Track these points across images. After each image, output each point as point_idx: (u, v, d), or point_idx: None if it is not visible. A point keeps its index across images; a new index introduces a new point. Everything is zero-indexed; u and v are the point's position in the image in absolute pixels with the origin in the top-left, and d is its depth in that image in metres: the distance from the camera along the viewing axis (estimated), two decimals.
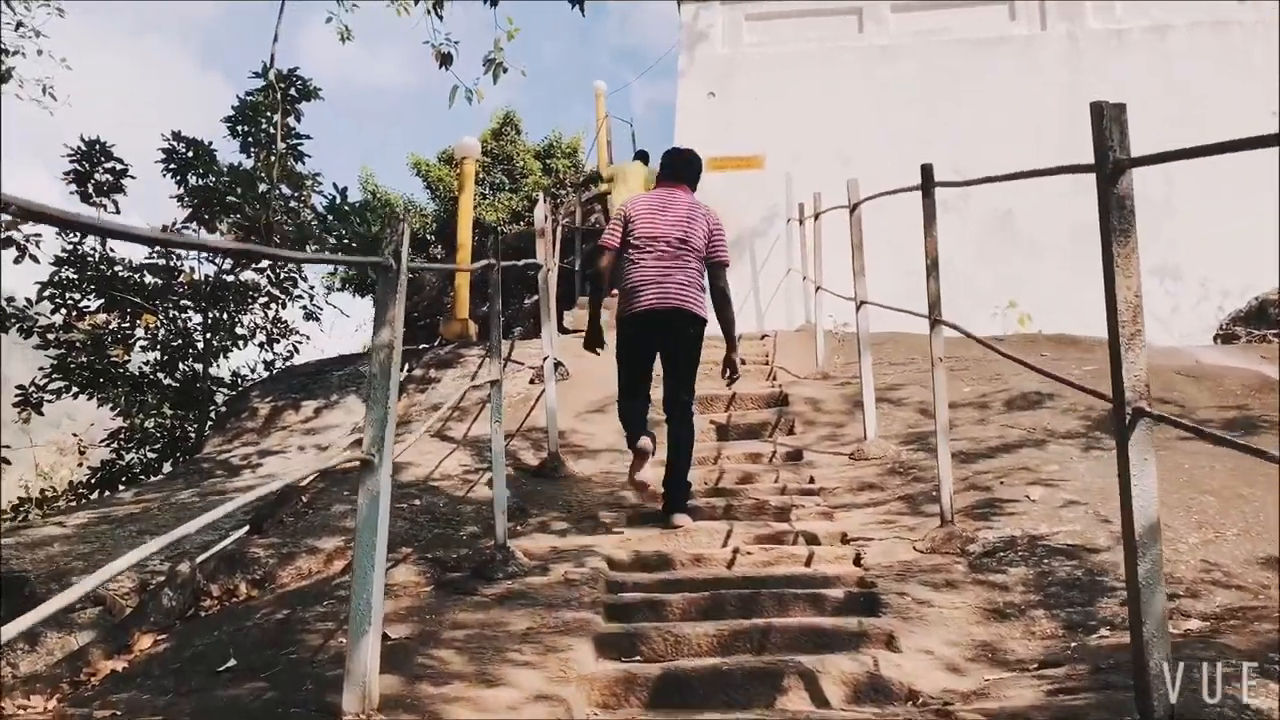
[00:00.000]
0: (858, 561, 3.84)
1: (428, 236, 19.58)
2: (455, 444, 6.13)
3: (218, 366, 8.94)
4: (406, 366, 7.48)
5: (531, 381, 6.99)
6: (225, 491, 5.63)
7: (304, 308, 9.29)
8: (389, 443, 2.47)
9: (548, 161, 19.71)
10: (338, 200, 8.59)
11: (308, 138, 9.47)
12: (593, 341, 4.85)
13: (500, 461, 3.98)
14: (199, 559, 4.02)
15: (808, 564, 3.88)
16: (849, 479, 4.97)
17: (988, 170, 8.33)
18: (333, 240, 8.16)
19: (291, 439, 6.74)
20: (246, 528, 4.53)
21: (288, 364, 9.45)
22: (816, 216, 7.27)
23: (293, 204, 8.72)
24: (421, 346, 7.96)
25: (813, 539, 4.17)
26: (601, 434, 6.21)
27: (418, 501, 5.01)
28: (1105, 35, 10.77)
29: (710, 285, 4.54)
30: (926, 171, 4.03)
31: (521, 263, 5.32)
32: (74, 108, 10.16)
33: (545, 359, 5.53)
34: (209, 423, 7.87)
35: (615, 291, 4.68)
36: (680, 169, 4.71)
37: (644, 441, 4.47)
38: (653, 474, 4.51)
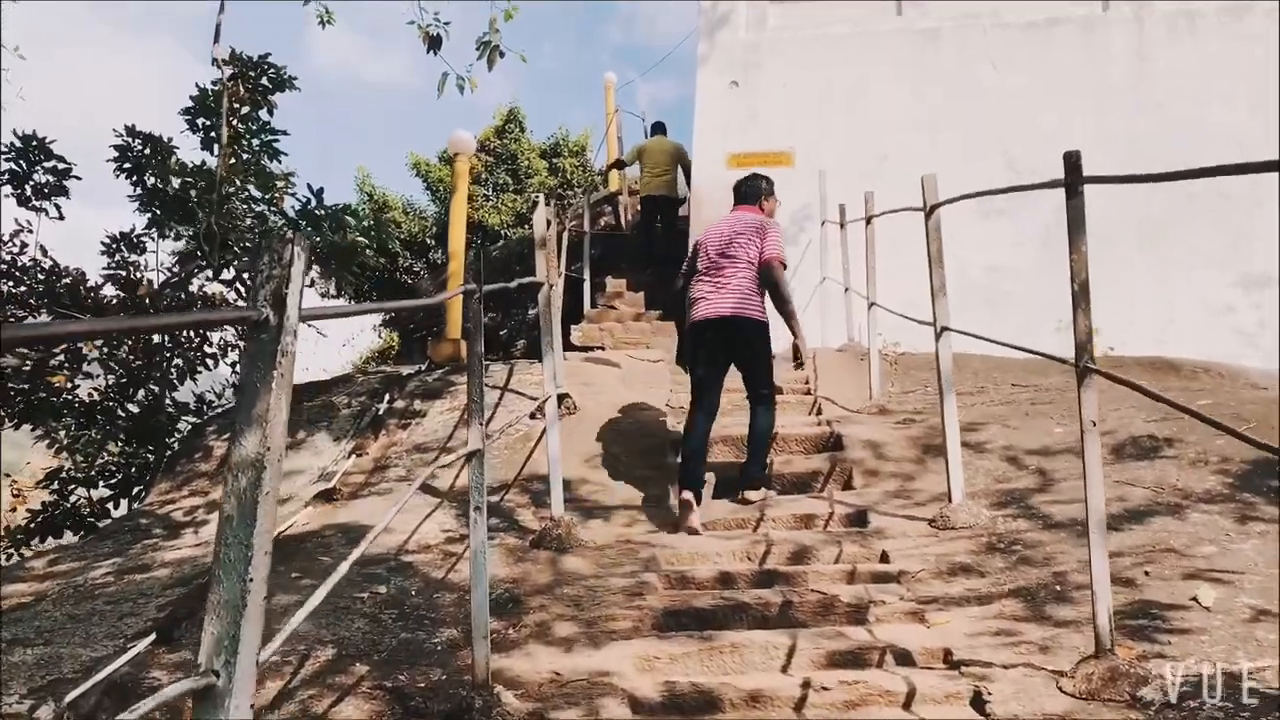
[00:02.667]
0: (979, 707, 2.75)
1: (427, 240, 18.54)
2: (439, 498, 5.05)
3: (176, 392, 7.88)
4: (387, 397, 6.41)
5: (533, 416, 5.90)
6: (150, 567, 4.57)
7: None
8: (248, 658, 1.37)
9: (554, 161, 18.64)
10: (312, 203, 7.53)
11: (283, 133, 8.44)
12: (682, 359, 5.13)
13: (481, 568, 2.90)
14: (69, 696, 2.94)
15: (907, 706, 2.80)
16: (935, 558, 3.87)
17: (1045, 168, 7.25)
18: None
19: None
20: (153, 635, 3.45)
21: None
22: (869, 220, 6.16)
23: (259, 207, 7.66)
24: (405, 372, 6.88)
25: (905, 657, 3.09)
26: (616, 484, 5.13)
27: (383, 589, 3.93)
28: (1174, 15, 9.64)
29: (765, 281, 4.83)
30: (1073, 162, 2.92)
31: (514, 284, 4.23)
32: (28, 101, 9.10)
33: (547, 396, 4.45)
34: (164, 462, 6.80)
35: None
36: (742, 192, 5.20)
37: (687, 497, 4.57)
38: (694, 523, 4.49)
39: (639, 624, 3.45)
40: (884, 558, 4.02)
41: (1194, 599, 3.17)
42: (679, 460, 4.86)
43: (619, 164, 11.29)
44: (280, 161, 8.41)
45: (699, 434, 4.75)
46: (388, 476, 5.47)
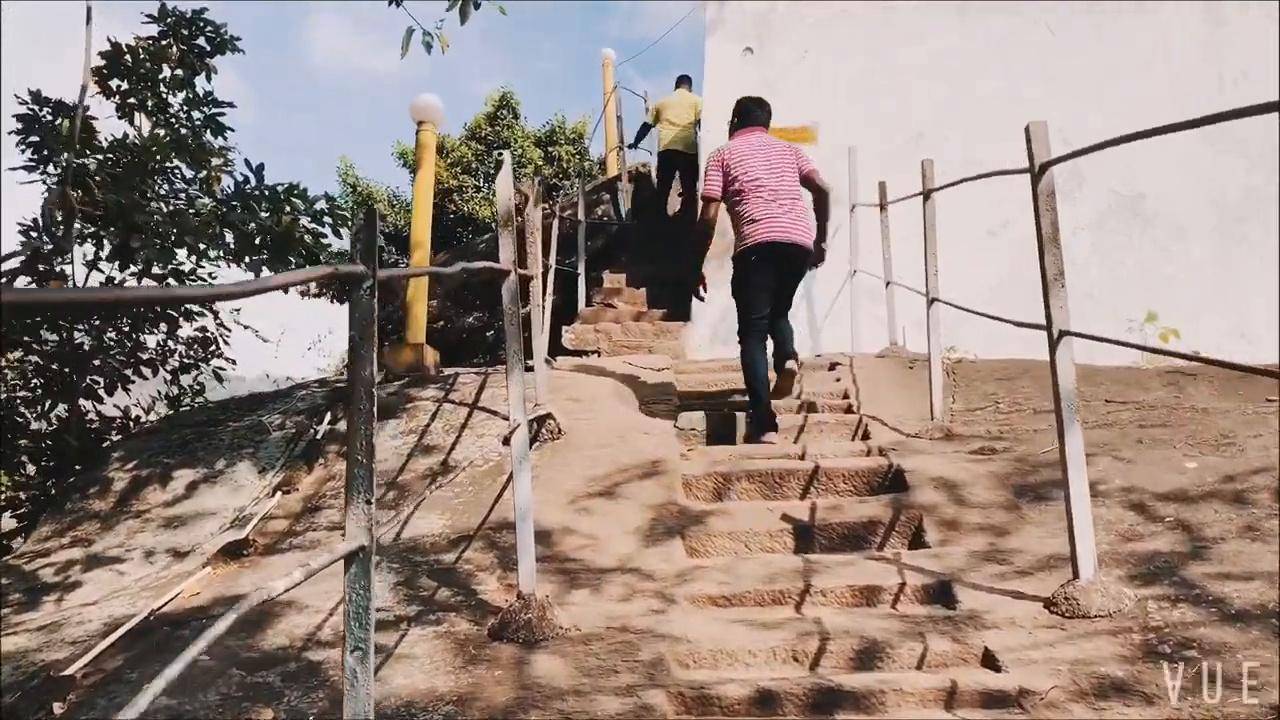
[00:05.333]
0: None
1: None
2: (378, 556, 3.84)
3: (91, 406, 6.69)
4: (329, 417, 5.20)
5: (506, 441, 4.68)
6: None
7: (215, 326, 7.01)
8: None
9: (549, 149, 17.44)
10: (252, 183, 6.32)
11: (229, 105, 7.23)
12: (696, 285, 5.18)
13: None
14: None
15: None
16: (1069, 667, 2.66)
17: (1118, 154, 5.90)
18: (231, 238, 5.87)
19: (142, 535, 4.46)
20: None
21: (198, 400, 7.20)
22: (928, 195, 4.93)
23: (191, 189, 6.45)
24: None
25: None
26: (613, 534, 3.91)
27: (268, 715, 2.71)
28: None
29: (814, 190, 5.09)
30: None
31: (455, 269, 2.99)
32: None
33: (512, 428, 3.24)
34: (55, 497, 5.59)
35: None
36: (755, 114, 5.33)
37: (769, 437, 4.77)
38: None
39: None
40: (989, 660, 2.81)
41: None
42: (751, 400, 4.96)
43: (645, 128, 10.52)
44: (225, 138, 7.22)
45: (763, 363, 4.97)
46: (317, 522, 4.27)
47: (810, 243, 4.93)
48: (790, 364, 5.00)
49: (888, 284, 6.48)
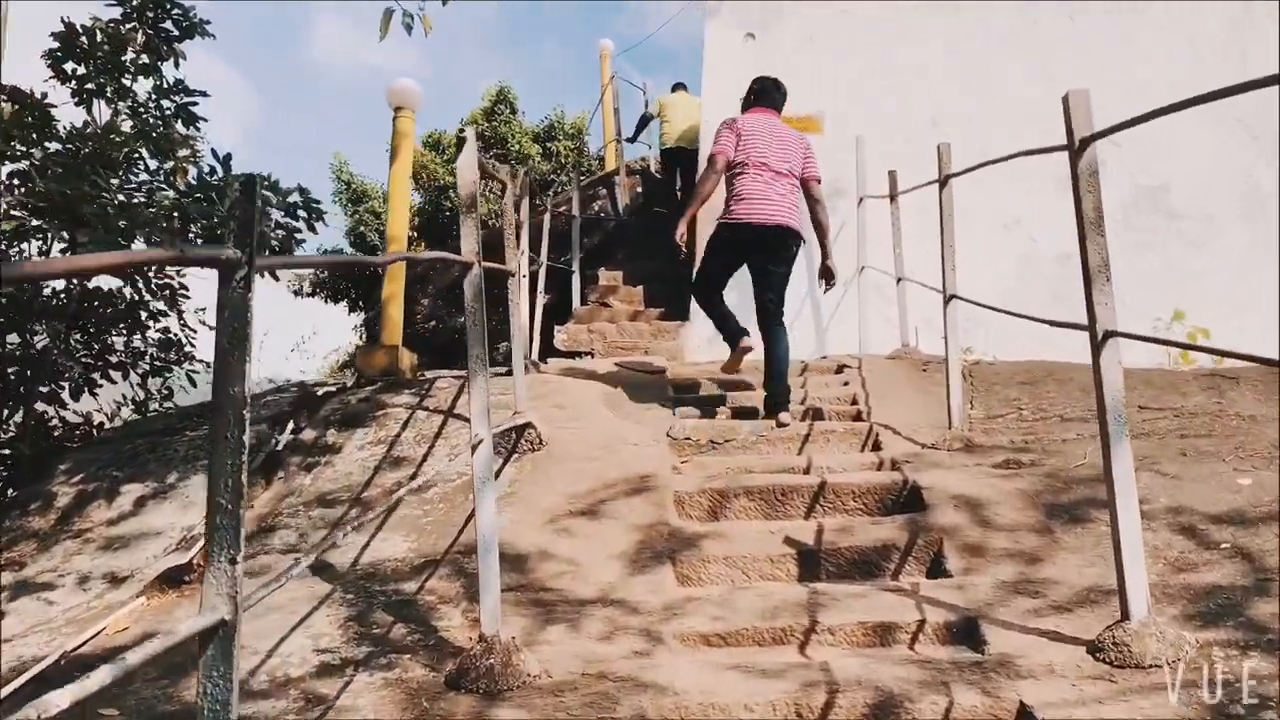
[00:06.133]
0: None
1: (411, 232, 16.95)
2: (332, 584, 3.44)
3: (54, 411, 6.29)
4: (291, 425, 4.79)
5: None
6: None
7: (181, 327, 6.60)
8: None
9: (548, 145, 17.02)
10: (219, 173, 5.90)
11: (202, 94, 6.84)
12: (678, 232, 4.98)
13: None
14: None
15: None
16: None
17: (1138, 142, 5.76)
18: (196, 229, 5.46)
19: (80, 557, 4.05)
20: None
21: (166, 405, 6.80)
22: (945, 182, 4.48)
23: (157, 181, 6.04)
24: (322, 390, 5.24)
25: None
26: (595, 559, 3.49)
27: None
28: None
29: (808, 198, 5.09)
30: None
31: (381, 259, 2.55)
32: None
33: (474, 443, 2.82)
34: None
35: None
36: (773, 95, 5.27)
37: (747, 341, 4.94)
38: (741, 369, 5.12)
39: None
40: (1025, 718, 2.39)
41: None
42: (720, 322, 5.06)
43: (645, 120, 10.40)
44: (198, 128, 6.82)
45: (719, 302, 5.05)
46: (270, 544, 3.85)
47: (797, 225, 4.92)
48: (784, 415, 4.72)
49: (899, 280, 6.05)
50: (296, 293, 16.97)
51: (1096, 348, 2.68)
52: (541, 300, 7.92)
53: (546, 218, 7.92)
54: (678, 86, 10.13)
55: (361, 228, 17.27)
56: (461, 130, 3.45)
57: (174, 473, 4.56)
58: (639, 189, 10.93)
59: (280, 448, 4.58)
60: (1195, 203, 7.25)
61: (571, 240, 8.97)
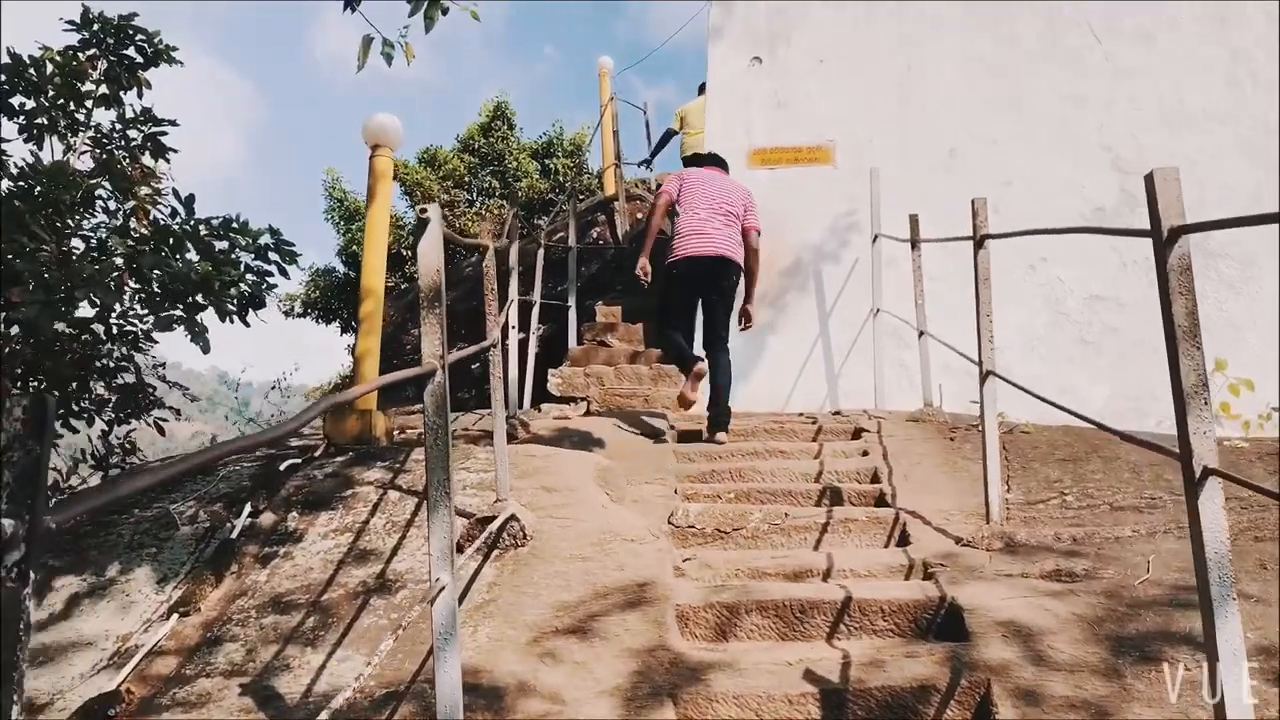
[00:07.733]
0: None
1: (403, 251, 16.46)
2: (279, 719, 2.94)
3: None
4: (249, 507, 4.29)
5: (459, 548, 3.76)
6: None
7: (149, 373, 6.10)
8: None
9: (546, 162, 16.54)
10: (179, 216, 5.41)
11: (171, 123, 6.36)
12: (639, 266, 5.50)
13: None
14: None
15: None
16: None
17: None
18: (155, 280, 4.96)
19: None
20: None
21: (129, 460, 6.30)
22: (981, 241, 3.96)
23: (112, 225, 5.54)
24: (286, 463, 4.73)
25: None
26: (584, 695, 2.99)
27: None
28: None
29: (745, 247, 5.57)
30: None
31: (342, 396, 2.10)
32: None
33: (433, 593, 2.33)
34: None
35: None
36: (719, 159, 6.08)
37: (700, 367, 5.33)
38: (697, 395, 5.37)
39: None
40: None
41: None
42: (676, 356, 5.53)
43: (669, 134, 9.77)
44: (168, 160, 6.34)
45: (681, 341, 5.45)
46: (214, 663, 3.36)
47: (737, 258, 5.44)
48: (720, 435, 5.32)
49: (920, 334, 5.56)
50: (287, 313, 16.49)
51: (1194, 486, 2.19)
52: (535, 338, 7.45)
53: (540, 253, 7.43)
54: (703, 89, 9.63)
55: (354, 246, 16.78)
56: (423, 210, 2.91)
57: (115, 563, 4.07)
58: (640, 215, 10.46)
59: (236, 534, 4.09)
60: (1236, 243, 6.75)
61: (568, 271, 8.49)
